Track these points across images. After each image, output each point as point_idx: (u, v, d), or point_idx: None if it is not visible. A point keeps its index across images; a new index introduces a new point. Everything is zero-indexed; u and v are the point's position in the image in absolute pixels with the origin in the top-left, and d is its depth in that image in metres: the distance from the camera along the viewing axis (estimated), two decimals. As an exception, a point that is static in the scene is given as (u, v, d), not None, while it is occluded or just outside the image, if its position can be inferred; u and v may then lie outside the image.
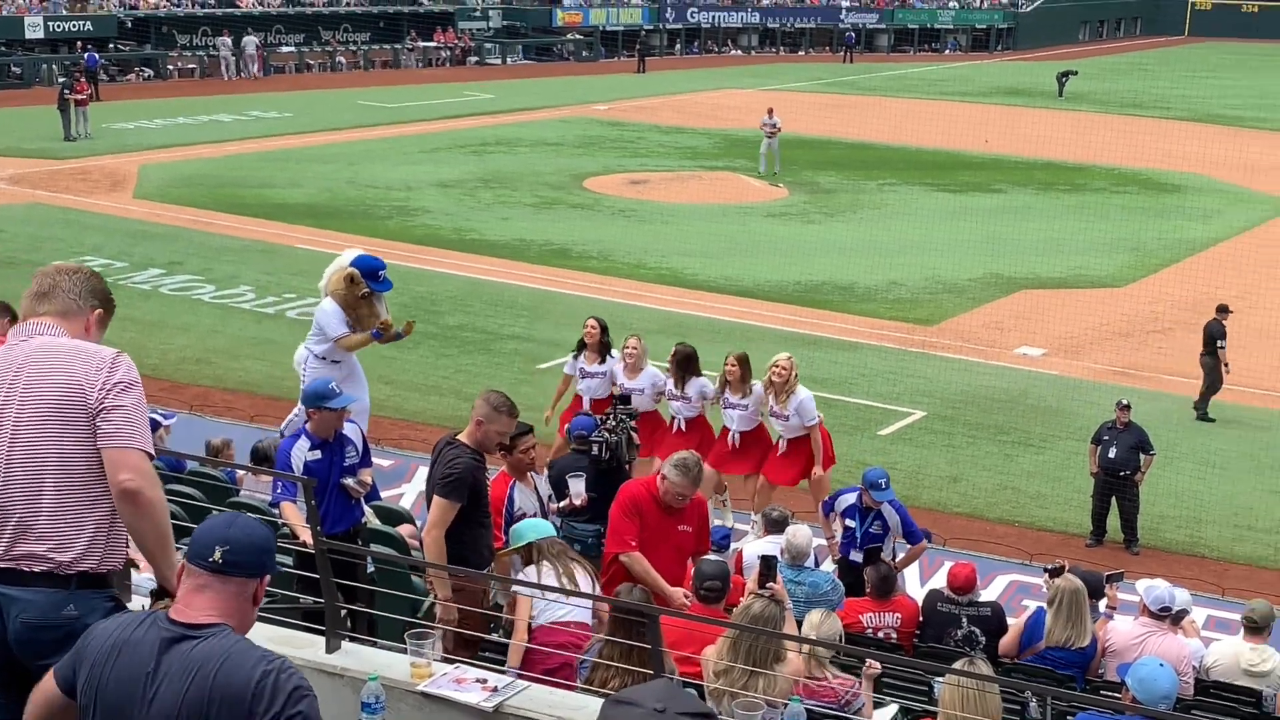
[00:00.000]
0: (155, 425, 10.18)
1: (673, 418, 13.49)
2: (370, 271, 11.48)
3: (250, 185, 32.09)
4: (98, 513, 4.44)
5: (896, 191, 34.17)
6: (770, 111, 35.47)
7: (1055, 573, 10.75)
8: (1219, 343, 17.99)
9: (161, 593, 4.59)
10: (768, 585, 7.55)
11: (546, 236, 27.52)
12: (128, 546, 4.56)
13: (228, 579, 3.78)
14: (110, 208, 29.33)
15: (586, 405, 13.43)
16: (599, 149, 39.45)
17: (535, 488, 8.92)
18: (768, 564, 7.72)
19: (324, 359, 11.54)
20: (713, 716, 2.50)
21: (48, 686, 3.94)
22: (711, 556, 8.66)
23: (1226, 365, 18.03)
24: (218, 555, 3.77)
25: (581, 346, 13.76)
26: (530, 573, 7.92)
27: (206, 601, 3.76)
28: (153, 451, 4.48)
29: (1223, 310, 18.35)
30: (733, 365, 13.06)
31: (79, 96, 37.87)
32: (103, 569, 4.47)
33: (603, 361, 13.60)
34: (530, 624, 7.68)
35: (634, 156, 38.49)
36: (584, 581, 7.92)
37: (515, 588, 7.98)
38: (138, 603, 4.88)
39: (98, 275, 4.84)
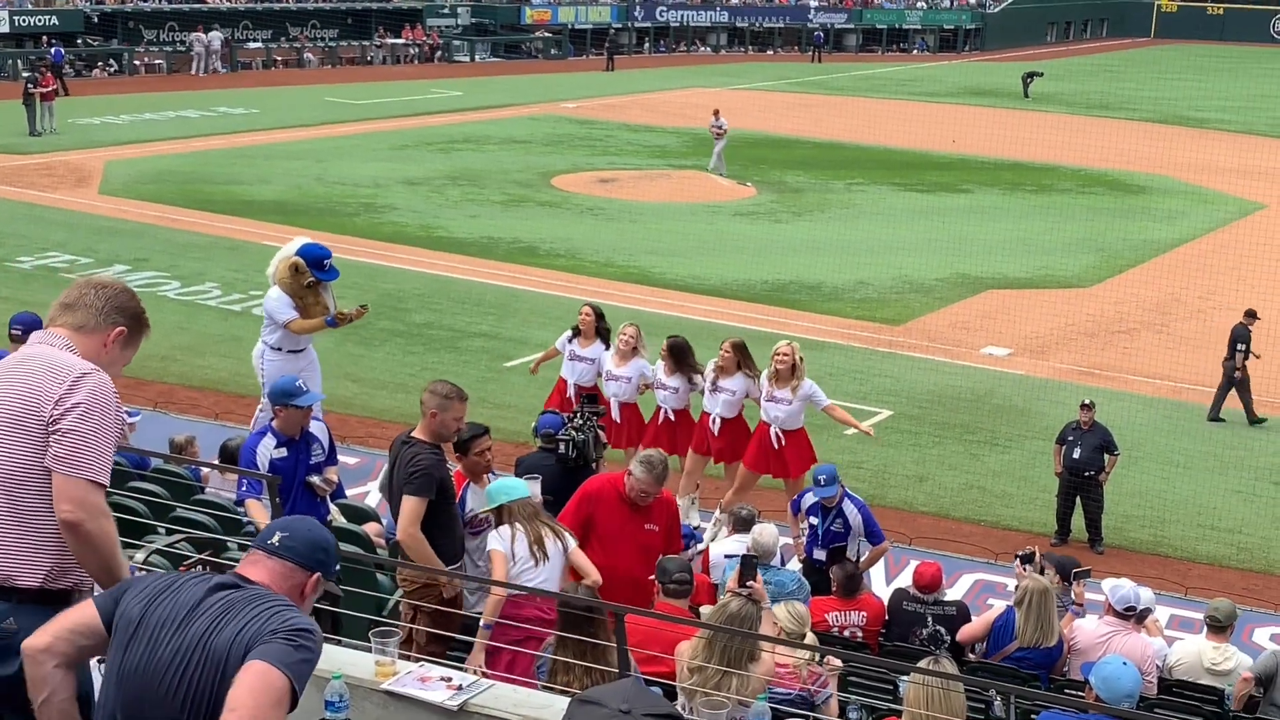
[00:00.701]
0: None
1: (658, 408, 13.50)
2: (315, 260, 11.42)
3: (217, 182, 31.92)
4: (47, 530, 4.30)
5: (864, 191, 34.26)
6: (716, 113, 35.50)
7: (1027, 559, 10.87)
8: (1239, 346, 17.83)
9: None
10: (748, 584, 7.55)
11: (514, 234, 27.49)
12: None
13: (280, 560, 4.04)
14: (75, 203, 29.12)
15: (570, 391, 13.42)
16: (567, 147, 39.41)
17: None
18: (748, 564, 7.74)
19: (279, 349, 11.51)
20: (678, 717, 2.50)
21: (88, 614, 3.98)
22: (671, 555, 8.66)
23: (1240, 370, 17.84)
24: (275, 539, 4.08)
25: (578, 330, 13.77)
26: (502, 534, 7.94)
27: (257, 573, 4.02)
28: (104, 481, 4.31)
29: (1250, 315, 18.18)
30: (727, 351, 13.07)
31: (44, 91, 37.59)
32: (55, 587, 4.36)
33: (594, 346, 13.62)
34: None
35: (603, 155, 38.47)
36: (552, 546, 7.96)
37: (491, 547, 7.99)
38: None
39: (130, 293, 4.67)
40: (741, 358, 13.09)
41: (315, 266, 11.39)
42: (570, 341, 13.75)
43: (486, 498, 8.14)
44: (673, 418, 13.45)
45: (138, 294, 4.71)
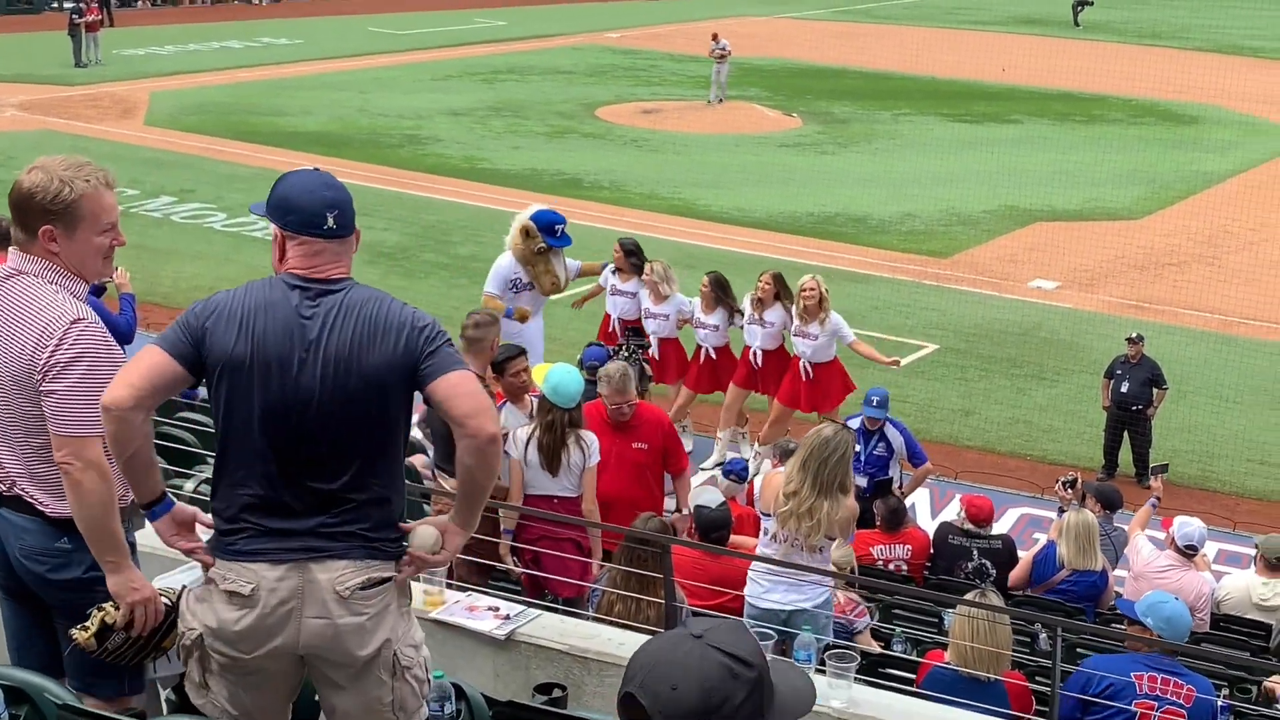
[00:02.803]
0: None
1: (699, 346, 13.44)
2: (547, 226, 11.48)
3: (261, 113, 31.94)
4: None
5: (911, 122, 33.91)
6: (715, 36, 35.08)
7: (1070, 483, 10.90)
8: None
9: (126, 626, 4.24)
10: None
11: (558, 166, 27.38)
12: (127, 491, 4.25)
13: (341, 240, 4.01)
14: (121, 135, 29.23)
15: (614, 324, 13.37)
16: (611, 77, 39.16)
17: (530, 411, 8.86)
18: None
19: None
20: (747, 663, 2.48)
21: (164, 363, 3.88)
22: (713, 494, 8.65)
23: None
24: (331, 222, 3.97)
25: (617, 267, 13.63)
26: (518, 438, 8.09)
27: (326, 262, 3.97)
28: (89, 433, 4.11)
29: None
30: (767, 283, 12.94)
31: (89, 21, 37.66)
32: None
33: (633, 280, 13.43)
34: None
35: (646, 85, 38.22)
36: (571, 459, 8.05)
37: (507, 448, 8.08)
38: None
39: (28, 186, 4.30)
40: (780, 289, 12.99)
41: (547, 232, 11.45)
42: (613, 275, 13.66)
43: (543, 378, 8.16)
44: (714, 355, 13.38)
45: (42, 166, 4.37)
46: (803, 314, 12.69)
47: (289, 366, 3.85)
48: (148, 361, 3.90)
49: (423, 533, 4.08)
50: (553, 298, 12.22)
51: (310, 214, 3.97)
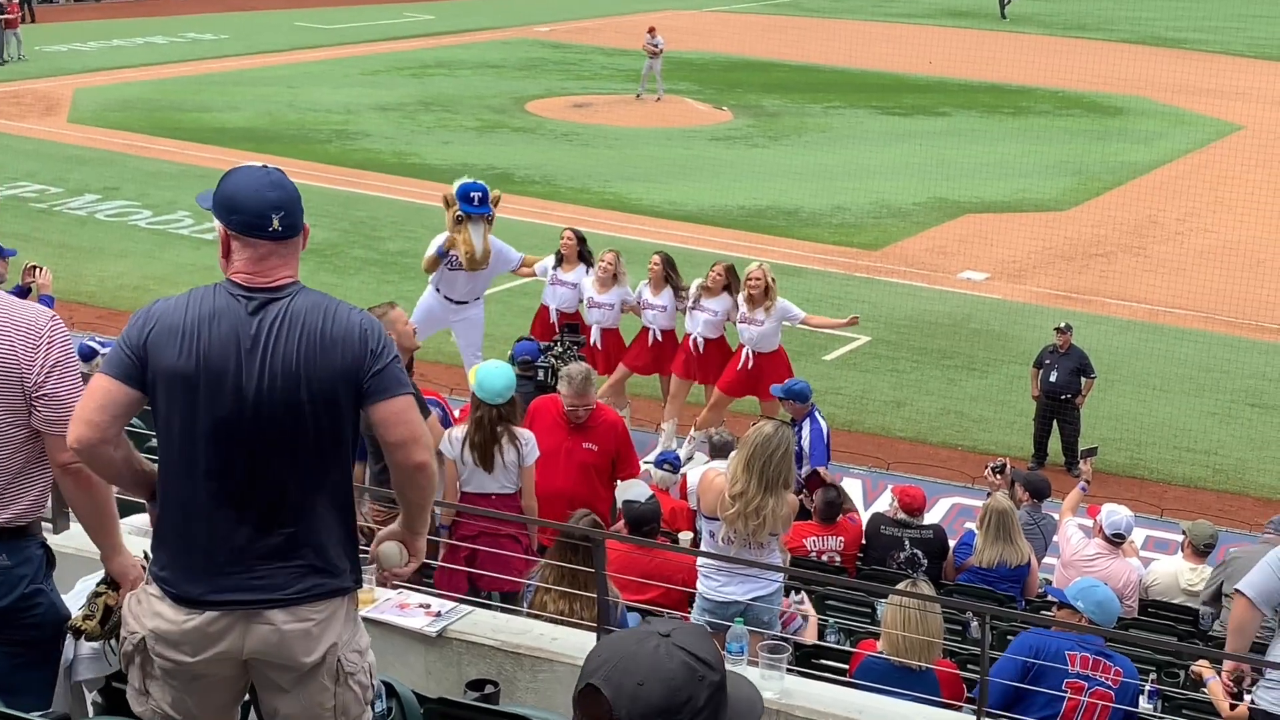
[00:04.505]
0: (92, 354, 10.03)
1: (645, 329, 13.42)
2: (464, 194, 12.01)
3: (187, 109, 31.55)
4: (30, 476, 4.29)
5: (841, 115, 34.06)
6: (652, 31, 35.04)
7: (998, 469, 11.03)
8: None
9: (113, 582, 4.35)
10: None
11: (489, 161, 27.24)
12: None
13: (287, 242, 3.91)
14: (44, 132, 28.76)
15: (553, 315, 13.31)
16: (541, 71, 39.04)
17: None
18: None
19: (435, 288, 11.97)
20: (710, 666, 2.47)
21: (115, 389, 3.82)
22: (641, 489, 8.62)
23: None
24: (277, 224, 3.86)
25: (560, 257, 13.51)
26: (453, 437, 8.05)
27: (273, 266, 3.88)
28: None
29: None
30: (719, 274, 13.02)
31: (9, 17, 37.04)
32: (26, 520, 4.34)
33: (575, 270, 13.38)
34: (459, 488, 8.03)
35: (577, 79, 38.13)
36: (505, 457, 8.01)
37: (443, 448, 8.02)
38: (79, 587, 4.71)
39: None
40: (731, 280, 13.04)
41: (463, 199, 11.79)
42: (554, 268, 13.54)
43: (476, 381, 8.10)
44: (660, 338, 13.36)
45: None
46: (748, 301, 12.77)
47: (236, 380, 3.76)
48: (99, 391, 3.87)
49: (387, 551, 4.15)
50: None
51: (254, 215, 3.86)
